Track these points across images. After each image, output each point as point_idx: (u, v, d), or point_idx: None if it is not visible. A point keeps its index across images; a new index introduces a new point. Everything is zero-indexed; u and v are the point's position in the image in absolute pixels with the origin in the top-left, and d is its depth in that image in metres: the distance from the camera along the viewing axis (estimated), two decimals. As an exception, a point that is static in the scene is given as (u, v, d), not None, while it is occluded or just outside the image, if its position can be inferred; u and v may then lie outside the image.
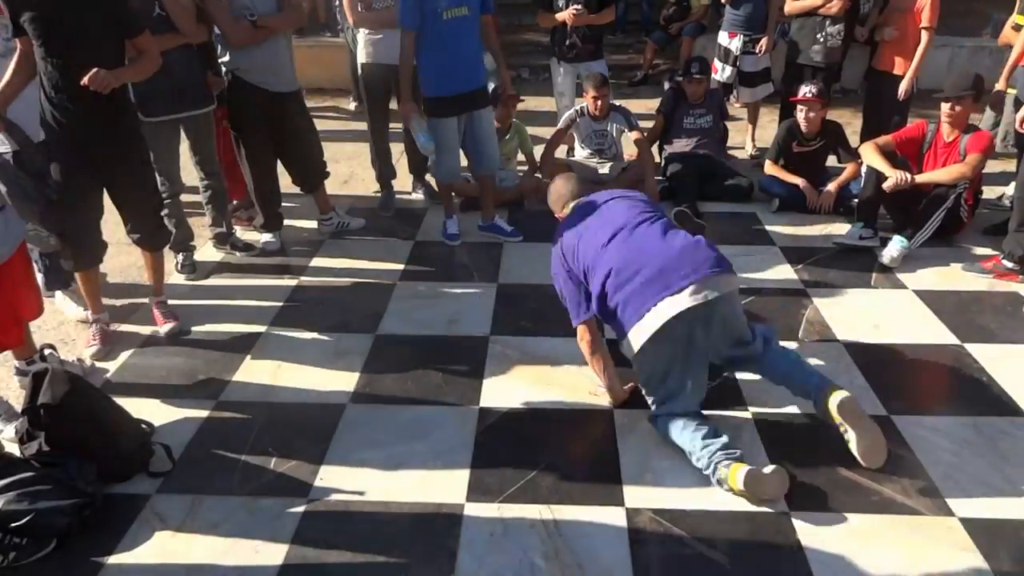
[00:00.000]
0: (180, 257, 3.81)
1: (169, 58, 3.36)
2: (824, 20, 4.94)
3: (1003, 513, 2.29)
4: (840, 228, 4.25)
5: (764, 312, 3.43)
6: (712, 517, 2.29)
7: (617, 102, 5.04)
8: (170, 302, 3.42)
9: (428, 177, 4.62)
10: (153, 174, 3.25)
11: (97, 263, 3.21)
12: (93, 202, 3.06)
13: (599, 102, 4.68)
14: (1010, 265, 3.69)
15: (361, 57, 4.39)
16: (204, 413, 2.74)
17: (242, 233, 4.24)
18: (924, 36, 4.46)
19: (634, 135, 4.80)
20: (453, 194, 4.29)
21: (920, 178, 3.98)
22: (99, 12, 2.79)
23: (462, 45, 3.79)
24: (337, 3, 4.70)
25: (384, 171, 4.61)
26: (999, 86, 4.44)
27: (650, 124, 5.17)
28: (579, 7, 4.79)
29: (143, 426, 2.58)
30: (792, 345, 3.18)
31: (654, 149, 5.06)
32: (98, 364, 3.08)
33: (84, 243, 3.08)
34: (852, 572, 2.09)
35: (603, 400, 2.81)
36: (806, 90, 4.48)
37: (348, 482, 2.43)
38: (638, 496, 2.37)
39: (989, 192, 4.53)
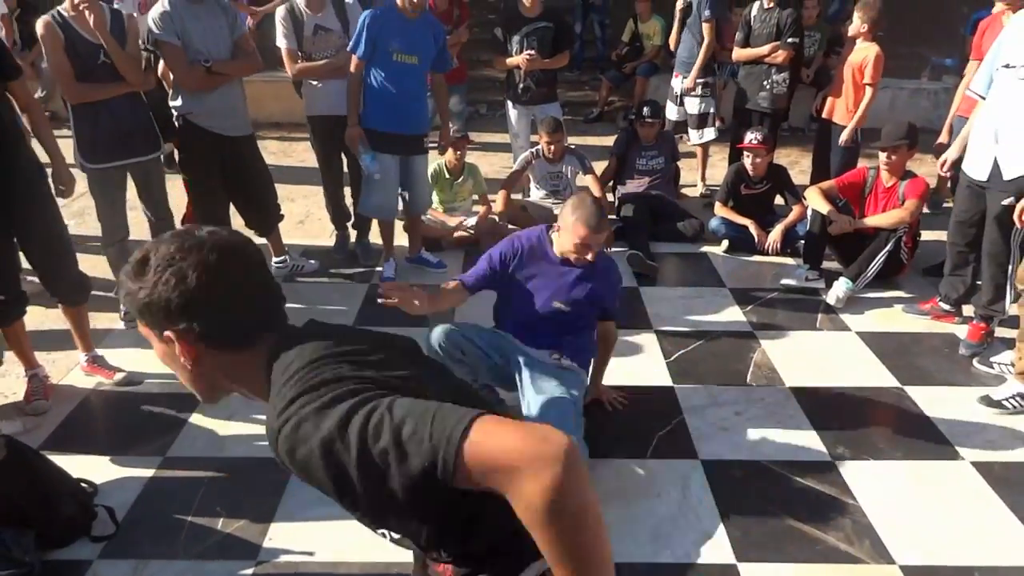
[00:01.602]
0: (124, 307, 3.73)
1: (115, 103, 3.33)
2: (770, 68, 5.12)
3: (943, 559, 2.37)
4: (788, 270, 4.36)
5: (713, 356, 3.50)
6: (661, 569, 2.31)
7: (572, 141, 5.14)
8: (116, 351, 3.34)
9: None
10: (59, 212, 3.08)
11: (20, 315, 3.03)
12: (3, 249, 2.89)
13: (553, 147, 4.77)
14: (947, 307, 3.84)
15: (308, 110, 4.31)
16: (150, 472, 2.68)
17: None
18: (868, 91, 4.65)
19: (588, 178, 4.89)
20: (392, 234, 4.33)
21: (862, 222, 4.13)
22: None
23: (405, 90, 3.91)
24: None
25: (337, 214, 4.59)
26: (942, 139, 4.61)
27: (604, 163, 5.28)
28: (532, 52, 4.89)
29: (85, 487, 2.51)
30: (741, 389, 3.26)
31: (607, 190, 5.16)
32: (35, 419, 2.99)
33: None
34: (797, 624, 2.14)
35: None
36: (751, 137, 4.63)
37: (298, 541, 2.40)
38: (589, 550, 2.38)
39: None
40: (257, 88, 5.80)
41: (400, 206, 4.33)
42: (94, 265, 3.78)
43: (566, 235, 2.70)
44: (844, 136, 4.73)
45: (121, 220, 3.61)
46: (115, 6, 3.73)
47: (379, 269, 4.35)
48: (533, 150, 4.95)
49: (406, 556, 2.31)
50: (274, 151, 6.32)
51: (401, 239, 4.46)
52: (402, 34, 3.81)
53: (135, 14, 4.09)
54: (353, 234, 4.64)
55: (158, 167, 3.68)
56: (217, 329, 1.08)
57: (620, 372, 3.36)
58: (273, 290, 1.16)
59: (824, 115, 5.02)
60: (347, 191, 4.60)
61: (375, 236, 4.50)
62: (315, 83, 4.19)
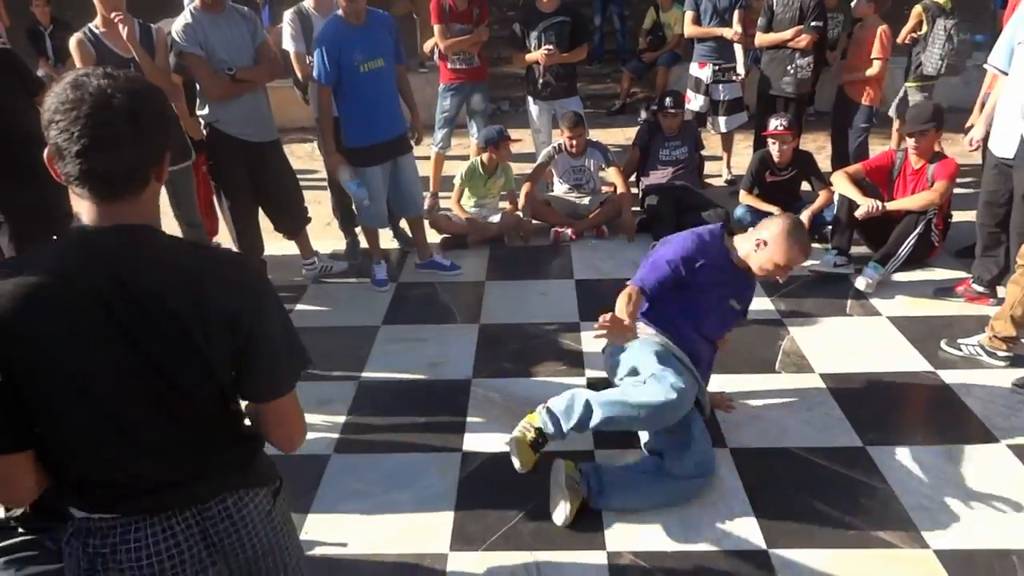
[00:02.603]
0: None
1: None
2: (794, 53, 5.06)
3: (976, 543, 2.34)
4: (816, 256, 4.31)
5: (741, 344, 3.48)
6: (692, 556, 2.32)
7: (594, 133, 5.14)
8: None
9: (403, 224, 4.66)
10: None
11: None
12: None
13: (575, 141, 4.78)
14: (980, 289, 3.77)
15: (315, 112, 4.28)
16: (189, 469, 2.77)
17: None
18: (876, 65, 4.72)
19: (611, 170, 4.89)
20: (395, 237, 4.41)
21: (891, 205, 4.07)
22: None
23: (381, 96, 3.86)
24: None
25: (346, 221, 4.61)
26: (974, 119, 4.52)
27: (628, 154, 5.27)
28: (551, 47, 4.90)
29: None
30: (770, 377, 3.24)
31: (631, 181, 5.15)
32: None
33: None
34: (829, 609, 2.13)
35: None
36: (776, 123, 4.58)
37: (333, 534, 2.45)
38: (619, 538, 2.40)
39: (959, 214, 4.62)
40: (283, 94, 5.89)
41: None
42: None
43: (774, 253, 2.61)
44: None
45: (196, 222, 3.74)
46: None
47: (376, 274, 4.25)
48: (555, 145, 4.96)
49: (438, 547, 2.38)
50: (300, 155, 6.42)
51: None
52: (360, 43, 3.70)
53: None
54: (363, 239, 4.65)
55: (187, 176, 3.78)
56: None
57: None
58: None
59: (846, 92, 5.06)
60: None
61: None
62: None
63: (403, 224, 4.64)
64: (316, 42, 3.79)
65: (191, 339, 1.15)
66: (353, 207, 4.36)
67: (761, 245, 2.66)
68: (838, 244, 4.18)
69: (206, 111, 3.79)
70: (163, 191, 3.62)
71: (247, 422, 1.36)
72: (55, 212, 3.01)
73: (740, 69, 5.49)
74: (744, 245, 2.72)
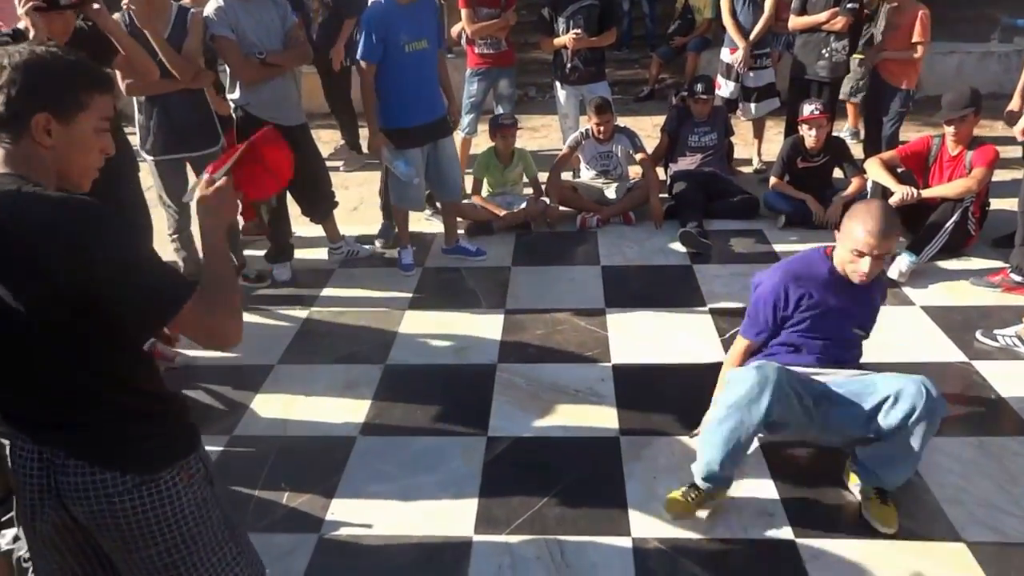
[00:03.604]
0: None
1: (170, 99, 3.44)
2: (828, 36, 4.96)
3: (1011, 536, 2.29)
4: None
5: (770, 332, 3.44)
6: (718, 545, 2.31)
7: (622, 120, 5.08)
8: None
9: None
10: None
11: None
12: None
13: (602, 127, 4.73)
14: (1018, 279, 3.68)
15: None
16: (218, 448, 2.81)
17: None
18: (919, 50, 4.59)
19: (639, 156, 4.84)
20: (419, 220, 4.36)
21: (926, 193, 3.98)
22: None
23: (423, 77, 3.85)
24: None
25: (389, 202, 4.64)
26: (1013, 105, 4.40)
27: (656, 140, 5.21)
28: (579, 31, 4.85)
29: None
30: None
31: (659, 168, 5.10)
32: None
33: None
34: (858, 600, 2.11)
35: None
36: (811, 108, 4.49)
37: (359, 516, 2.48)
38: (644, 525, 2.39)
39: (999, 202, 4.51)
40: (312, 80, 5.93)
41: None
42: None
43: (846, 236, 2.35)
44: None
45: (184, 211, 3.75)
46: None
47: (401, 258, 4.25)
48: (582, 130, 4.92)
49: (463, 531, 2.39)
50: (327, 140, 6.44)
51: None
52: (407, 23, 3.70)
53: None
54: (414, 217, 4.66)
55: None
56: None
57: (674, 350, 3.35)
58: None
59: (881, 73, 4.99)
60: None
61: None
62: None
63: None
64: (363, 21, 3.81)
65: (28, 287, 1.22)
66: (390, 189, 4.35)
67: (838, 235, 2.41)
68: (871, 232, 4.09)
69: (236, 95, 3.82)
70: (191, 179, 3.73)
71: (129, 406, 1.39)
72: None
73: (742, 53, 5.33)
74: (836, 247, 2.45)
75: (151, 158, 3.59)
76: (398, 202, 4.21)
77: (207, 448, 1.52)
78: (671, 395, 3.03)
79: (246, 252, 4.30)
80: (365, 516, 2.47)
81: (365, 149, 5.20)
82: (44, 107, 1.28)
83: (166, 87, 3.44)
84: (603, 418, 2.91)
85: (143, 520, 1.37)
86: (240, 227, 4.44)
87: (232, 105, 3.89)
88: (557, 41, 4.98)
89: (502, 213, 4.69)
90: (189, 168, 3.72)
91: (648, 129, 6.28)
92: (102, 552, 1.44)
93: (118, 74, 3.30)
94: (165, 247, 3.54)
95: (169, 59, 3.39)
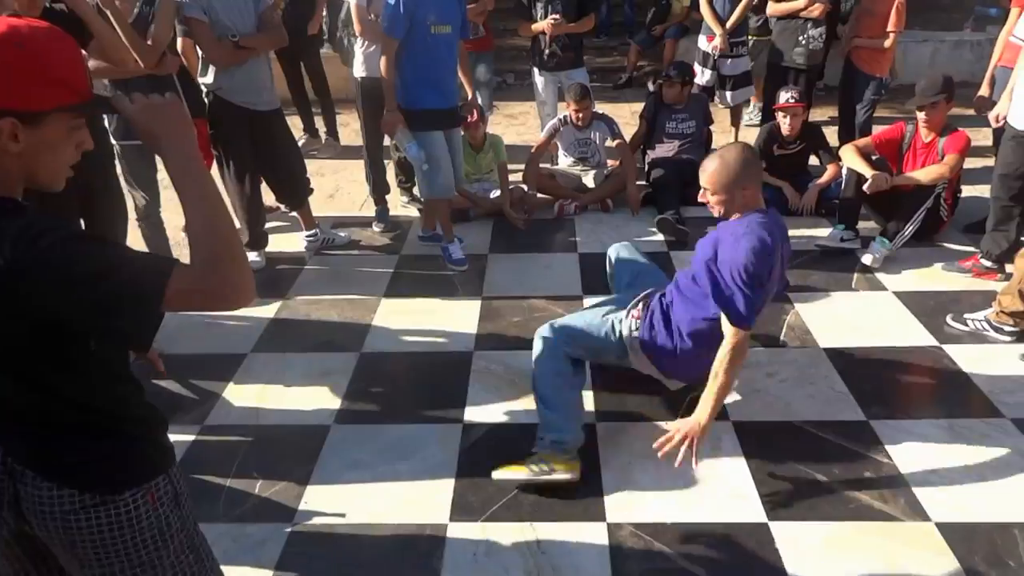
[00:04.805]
0: None
1: (133, 85, 3.36)
2: (806, 23, 4.98)
3: (978, 516, 2.32)
4: (823, 230, 4.27)
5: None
6: (691, 529, 2.32)
7: (601, 107, 5.07)
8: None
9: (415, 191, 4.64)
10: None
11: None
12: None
13: (581, 114, 4.71)
14: (988, 264, 3.73)
15: (358, 71, 4.35)
16: (189, 438, 2.77)
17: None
18: (891, 37, 4.66)
19: (617, 143, 4.83)
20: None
21: (899, 179, 4.01)
22: None
23: (443, 62, 3.80)
24: (343, 15, 4.73)
25: (379, 185, 4.60)
26: (983, 91, 4.47)
27: (635, 128, 5.20)
28: (557, 16, 4.82)
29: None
30: (774, 351, 3.22)
31: (637, 154, 5.10)
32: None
33: None
34: (829, 581, 2.13)
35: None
36: (787, 96, 4.51)
37: (333, 504, 2.45)
38: (619, 510, 2.39)
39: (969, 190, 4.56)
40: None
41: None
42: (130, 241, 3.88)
43: None
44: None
45: (152, 196, 3.67)
46: None
47: (451, 252, 4.10)
48: (561, 117, 4.90)
49: (439, 518, 2.38)
50: (302, 126, 6.36)
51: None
52: (436, 4, 3.65)
53: None
54: (391, 203, 4.65)
55: None
56: None
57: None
58: None
59: (854, 62, 5.07)
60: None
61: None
62: (369, 48, 4.20)
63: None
64: None
65: None
66: (395, 177, 4.35)
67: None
68: (845, 219, 4.13)
69: (209, 78, 3.75)
70: (159, 162, 3.66)
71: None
72: None
73: (719, 41, 5.35)
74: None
75: (120, 142, 3.52)
76: (430, 193, 4.00)
77: (175, 437, 1.48)
78: (647, 381, 3.02)
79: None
80: (339, 505, 2.45)
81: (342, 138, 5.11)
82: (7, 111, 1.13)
83: (129, 72, 3.35)
84: (579, 404, 2.91)
85: (98, 541, 1.30)
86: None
87: (204, 89, 3.82)
88: (535, 27, 4.95)
89: (479, 198, 4.66)
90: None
91: (627, 116, 6.27)
92: (57, 564, 1.39)
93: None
94: (133, 232, 3.47)
95: (132, 43, 3.28)
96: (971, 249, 3.94)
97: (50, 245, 1.09)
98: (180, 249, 3.98)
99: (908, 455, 2.58)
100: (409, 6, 3.59)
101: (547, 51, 4.98)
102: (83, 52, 2.96)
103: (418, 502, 2.45)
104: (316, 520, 2.39)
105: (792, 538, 2.26)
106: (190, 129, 1.25)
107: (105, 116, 3.49)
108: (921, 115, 3.97)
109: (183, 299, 1.13)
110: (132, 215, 3.58)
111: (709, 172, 2.49)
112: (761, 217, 2.49)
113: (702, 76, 5.49)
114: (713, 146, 5.55)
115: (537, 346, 2.67)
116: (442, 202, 4.07)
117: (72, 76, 1.18)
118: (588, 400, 2.92)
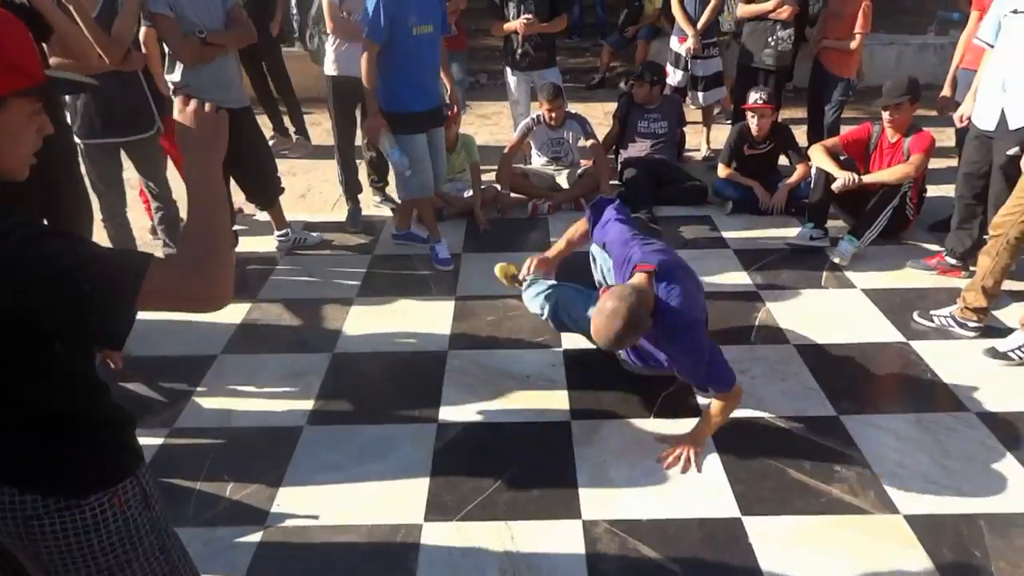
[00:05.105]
0: None
1: (98, 81, 3.28)
2: (775, 24, 5.04)
3: (945, 508, 2.37)
4: (793, 229, 4.33)
5: (718, 316, 3.48)
6: (666, 525, 2.33)
7: (574, 107, 5.08)
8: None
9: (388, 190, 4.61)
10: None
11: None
12: None
13: (553, 113, 4.72)
14: (953, 262, 3.81)
15: (329, 70, 4.30)
16: (158, 441, 2.72)
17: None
18: (858, 38, 4.79)
19: (590, 142, 4.85)
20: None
21: (867, 178, 4.08)
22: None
23: (426, 62, 3.77)
24: (314, 12, 4.68)
25: (351, 184, 4.56)
26: (945, 92, 4.57)
27: (608, 128, 5.23)
28: (530, 16, 4.82)
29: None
30: (745, 348, 3.25)
31: (610, 155, 5.12)
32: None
33: None
34: (802, 575, 2.15)
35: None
36: (756, 97, 4.57)
37: (306, 506, 2.42)
38: (594, 507, 2.40)
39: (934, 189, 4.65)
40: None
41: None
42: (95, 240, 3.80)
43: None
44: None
45: (117, 195, 3.60)
46: None
47: (438, 252, 4.07)
48: (534, 116, 4.90)
49: (413, 518, 2.36)
50: (271, 126, 6.28)
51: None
52: (417, 5, 3.60)
53: None
54: (363, 203, 4.60)
55: (151, 147, 3.63)
56: None
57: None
58: None
59: (823, 62, 5.17)
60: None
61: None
62: (340, 46, 4.16)
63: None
64: None
65: None
66: (367, 177, 4.31)
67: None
68: (814, 217, 4.19)
69: (176, 76, 3.68)
70: (126, 162, 3.59)
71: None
72: None
73: (692, 42, 5.40)
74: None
75: (83, 141, 3.44)
76: (408, 194, 3.98)
77: (144, 440, 1.45)
78: (622, 379, 3.04)
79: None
80: (312, 507, 2.42)
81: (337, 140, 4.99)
82: None
83: (93, 69, 3.28)
84: (554, 403, 2.91)
85: (64, 547, 1.26)
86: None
87: (171, 87, 3.76)
88: (508, 26, 4.94)
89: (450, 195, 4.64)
90: (124, 153, 3.57)
91: (599, 117, 6.30)
92: (24, 571, 1.36)
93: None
94: (99, 232, 3.40)
95: (96, 38, 3.21)
96: (936, 247, 4.02)
97: (20, 241, 1.06)
98: (148, 250, 3.90)
99: (877, 449, 2.62)
100: (390, 9, 3.55)
101: (520, 51, 4.98)
102: (43, 46, 2.93)
103: (392, 502, 2.43)
104: (289, 522, 2.36)
105: (765, 532, 2.29)
106: (225, 144, 1.30)
107: (68, 114, 3.42)
108: (886, 115, 4.04)
109: (158, 297, 1.12)
110: (97, 215, 3.51)
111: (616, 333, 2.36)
112: (669, 301, 2.47)
113: (674, 77, 5.54)
114: (687, 147, 5.62)
115: (535, 300, 3.12)
116: (426, 202, 4.05)
117: (24, 59, 1.15)
118: (563, 399, 2.93)
